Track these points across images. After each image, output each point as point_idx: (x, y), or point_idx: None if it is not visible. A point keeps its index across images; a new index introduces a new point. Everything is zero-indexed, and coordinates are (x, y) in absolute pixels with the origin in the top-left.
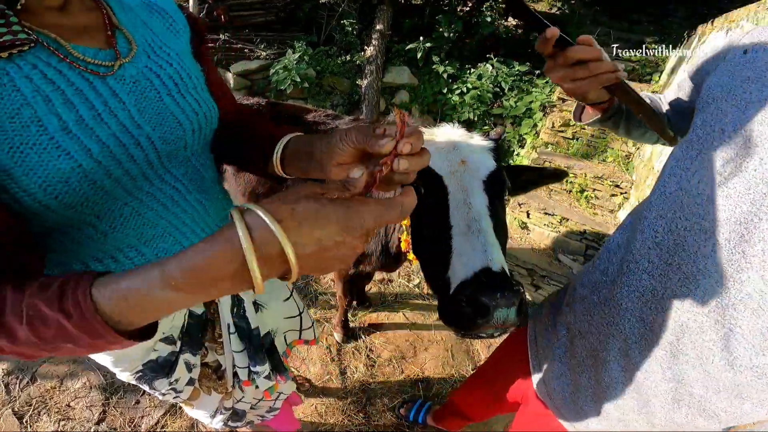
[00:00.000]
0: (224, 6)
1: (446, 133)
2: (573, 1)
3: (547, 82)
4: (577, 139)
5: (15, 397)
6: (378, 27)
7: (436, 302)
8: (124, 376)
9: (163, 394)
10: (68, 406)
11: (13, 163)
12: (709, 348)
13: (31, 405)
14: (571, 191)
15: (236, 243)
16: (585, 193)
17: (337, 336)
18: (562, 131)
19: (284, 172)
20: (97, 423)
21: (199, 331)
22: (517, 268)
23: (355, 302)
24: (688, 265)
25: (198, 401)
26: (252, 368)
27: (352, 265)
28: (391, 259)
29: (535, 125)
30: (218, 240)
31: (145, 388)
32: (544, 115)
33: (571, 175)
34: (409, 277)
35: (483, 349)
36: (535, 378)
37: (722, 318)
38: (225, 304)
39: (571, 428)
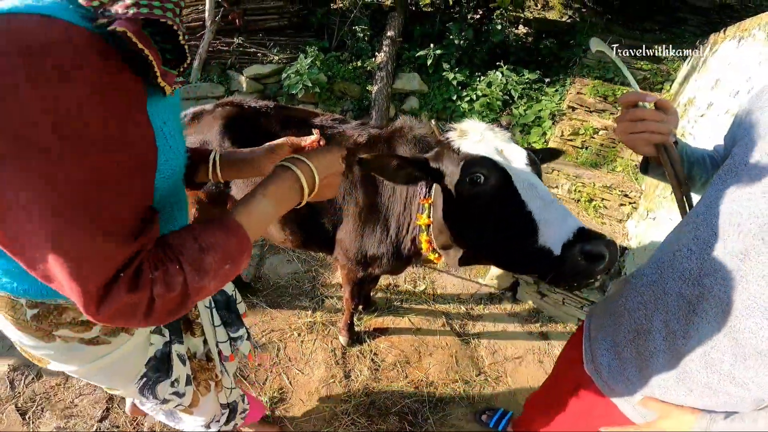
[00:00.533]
0: (240, 10)
1: (473, 127)
2: (584, 9)
3: (556, 91)
4: (586, 148)
5: (19, 393)
6: (389, 33)
7: (441, 307)
8: (130, 390)
9: (166, 401)
10: (72, 403)
11: (160, 154)
12: (736, 317)
13: (34, 401)
14: (579, 200)
15: (296, 175)
16: (593, 203)
17: (342, 339)
18: (571, 140)
19: (221, 177)
20: (100, 420)
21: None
22: (522, 276)
23: (360, 306)
24: (719, 250)
25: (198, 407)
26: (232, 334)
27: (360, 265)
28: (402, 261)
29: (545, 133)
30: (285, 174)
31: (149, 402)
32: (553, 124)
33: (579, 184)
34: (415, 282)
35: (488, 354)
36: (586, 360)
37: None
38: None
39: (622, 403)
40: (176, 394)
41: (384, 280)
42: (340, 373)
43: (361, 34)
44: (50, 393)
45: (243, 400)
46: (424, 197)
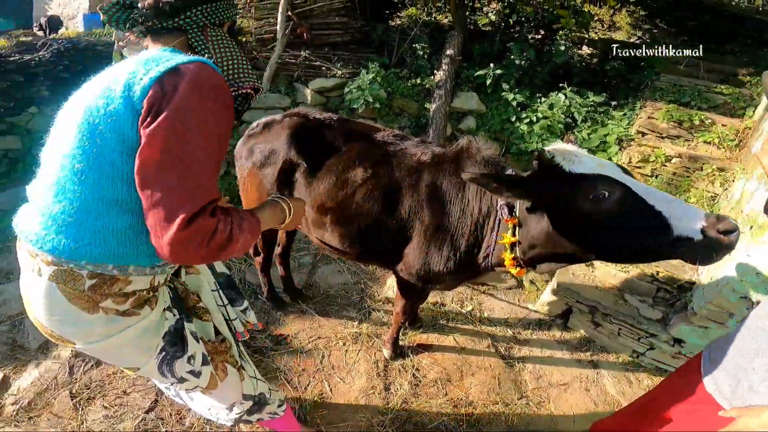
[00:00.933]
0: (308, 24)
1: (566, 147)
2: (656, 30)
3: (624, 114)
4: (657, 177)
5: (76, 379)
6: (448, 52)
7: (487, 329)
8: (151, 366)
9: (184, 380)
10: (124, 392)
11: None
12: None
13: (89, 388)
14: None
15: (283, 206)
16: None
17: (386, 352)
18: (639, 167)
19: None
20: (147, 411)
21: (180, 300)
22: (578, 305)
23: (406, 322)
24: None
25: (217, 389)
26: (240, 308)
27: (422, 281)
28: (463, 278)
29: (610, 159)
30: (277, 205)
31: (167, 380)
32: (620, 150)
33: None
34: (462, 303)
35: (532, 379)
36: (707, 382)
37: None
38: (205, 274)
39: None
40: (192, 372)
41: (431, 298)
42: (381, 385)
43: (421, 52)
44: (105, 381)
45: (279, 405)
46: (509, 217)
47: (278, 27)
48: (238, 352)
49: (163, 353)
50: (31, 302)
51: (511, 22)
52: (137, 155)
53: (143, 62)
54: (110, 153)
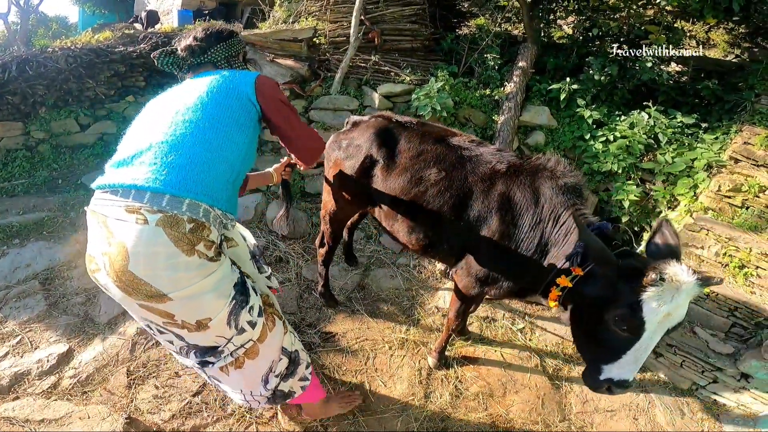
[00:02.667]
0: (379, 29)
1: (680, 276)
2: (756, 49)
3: (716, 138)
4: (747, 208)
5: (136, 357)
6: (520, 64)
7: (536, 347)
8: (223, 313)
9: (243, 331)
10: (176, 374)
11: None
12: None
13: (146, 367)
14: (727, 265)
15: (271, 174)
16: (745, 270)
17: (431, 360)
18: (729, 197)
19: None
20: (194, 395)
21: (234, 265)
22: None
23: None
24: None
25: (264, 344)
26: (265, 275)
27: (479, 284)
28: (516, 293)
29: (696, 186)
30: (268, 173)
31: (228, 333)
32: (708, 176)
33: (731, 247)
34: (514, 320)
35: (578, 402)
36: None
37: None
38: (240, 249)
39: None
40: (250, 323)
41: (482, 312)
42: (421, 393)
43: (492, 62)
44: (161, 362)
45: (306, 366)
46: (576, 267)
47: (351, 31)
48: (279, 306)
49: (234, 301)
50: (123, 255)
51: (591, 36)
52: (271, 120)
53: (233, 74)
54: (233, 123)
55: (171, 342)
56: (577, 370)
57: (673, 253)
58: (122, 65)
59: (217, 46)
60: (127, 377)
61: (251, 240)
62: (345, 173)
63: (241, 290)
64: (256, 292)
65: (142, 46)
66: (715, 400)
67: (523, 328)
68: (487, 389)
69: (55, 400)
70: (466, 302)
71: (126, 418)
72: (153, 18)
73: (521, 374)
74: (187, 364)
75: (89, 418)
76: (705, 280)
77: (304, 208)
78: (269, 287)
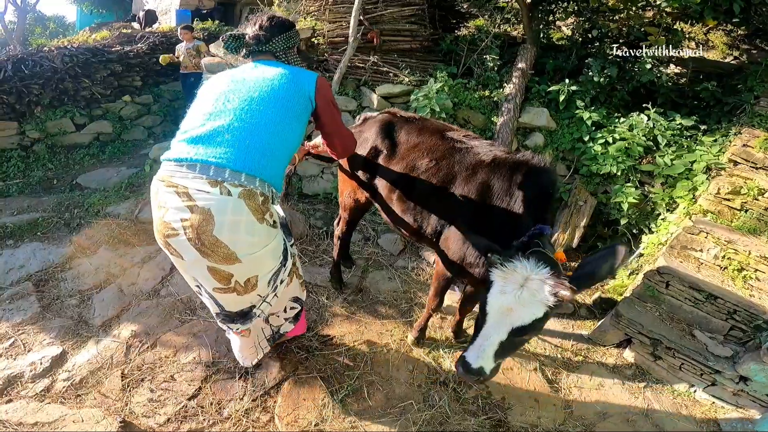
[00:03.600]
0: (378, 30)
1: (516, 275)
2: (755, 51)
3: (715, 141)
4: (747, 211)
5: (131, 359)
6: (520, 65)
7: (535, 352)
8: (271, 271)
9: (275, 289)
10: (171, 377)
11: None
12: None
13: (141, 370)
14: (726, 268)
15: (295, 155)
16: (744, 273)
17: (410, 337)
18: (728, 199)
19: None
20: (190, 398)
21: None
22: (639, 336)
23: (451, 333)
24: None
25: (279, 297)
26: (290, 243)
27: (455, 270)
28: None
29: (695, 189)
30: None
31: (269, 289)
32: (707, 179)
33: (730, 250)
34: None
35: (576, 406)
36: None
37: None
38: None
39: None
40: (281, 281)
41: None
42: (419, 396)
43: (491, 64)
44: (156, 365)
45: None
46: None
47: (350, 31)
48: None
49: (280, 264)
50: (210, 222)
51: (590, 37)
52: (321, 117)
53: (296, 73)
54: (294, 118)
55: (210, 305)
56: (576, 375)
57: (594, 272)
58: (119, 65)
59: (278, 37)
60: (122, 380)
61: (281, 212)
62: (355, 161)
63: (285, 254)
64: (292, 256)
65: (139, 45)
66: (713, 402)
67: None
68: (486, 393)
69: (49, 403)
70: (444, 283)
71: (120, 422)
72: (151, 17)
73: (520, 378)
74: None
75: (83, 421)
76: (555, 293)
77: (302, 209)
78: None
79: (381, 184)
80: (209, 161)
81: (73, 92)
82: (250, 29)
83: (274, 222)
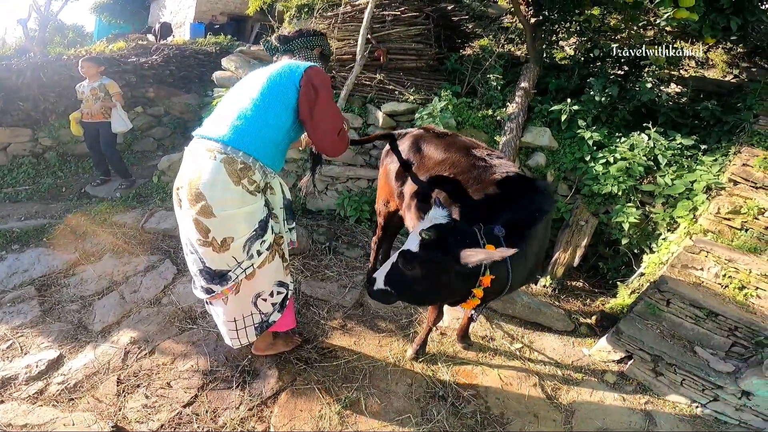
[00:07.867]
0: (385, 48)
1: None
2: (754, 69)
3: (715, 160)
4: (747, 231)
5: (128, 365)
6: (523, 84)
7: (535, 368)
8: (244, 237)
9: (251, 257)
10: (168, 384)
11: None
12: None
13: (137, 376)
14: (727, 286)
15: (301, 139)
16: (745, 291)
17: (410, 351)
18: (728, 219)
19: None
20: (185, 406)
21: (268, 205)
22: (640, 353)
23: (457, 338)
24: None
25: (263, 269)
26: (290, 227)
27: None
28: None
29: (695, 209)
30: (299, 139)
31: (242, 257)
32: (708, 198)
33: (731, 269)
34: (512, 340)
35: (577, 422)
36: None
37: None
38: (277, 197)
39: None
40: (258, 252)
41: (480, 331)
42: (417, 410)
43: (494, 83)
44: (153, 372)
45: (293, 285)
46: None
47: (358, 49)
48: (287, 246)
49: (254, 232)
50: (199, 177)
51: (593, 57)
52: (300, 104)
53: (292, 64)
54: (279, 103)
55: (194, 264)
56: (576, 391)
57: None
58: (134, 75)
59: (298, 39)
60: (117, 385)
61: (287, 194)
62: (389, 174)
63: (263, 226)
64: (272, 232)
65: (154, 57)
66: (715, 417)
67: (522, 348)
68: (485, 407)
69: (41, 405)
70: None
71: (112, 427)
72: (166, 30)
73: (519, 394)
74: (199, 295)
75: (74, 424)
76: (420, 233)
77: (305, 224)
78: (292, 236)
79: (406, 192)
80: (212, 137)
81: None
82: (278, 33)
83: (253, 191)
